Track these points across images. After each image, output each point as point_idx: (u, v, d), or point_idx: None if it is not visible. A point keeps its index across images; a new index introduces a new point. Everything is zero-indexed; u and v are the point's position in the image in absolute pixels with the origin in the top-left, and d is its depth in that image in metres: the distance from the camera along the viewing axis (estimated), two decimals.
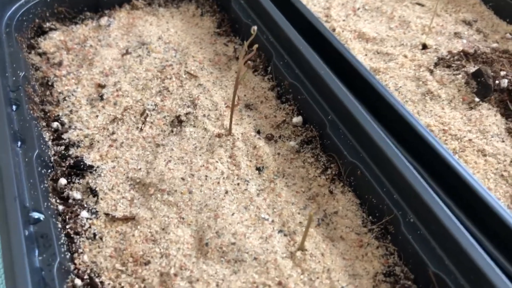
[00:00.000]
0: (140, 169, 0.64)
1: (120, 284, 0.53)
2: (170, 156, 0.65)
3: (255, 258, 0.54)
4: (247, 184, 0.62)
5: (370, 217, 0.59)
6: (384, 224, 0.57)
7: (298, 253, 0.55)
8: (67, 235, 0.56)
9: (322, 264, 0.54)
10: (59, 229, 0.56)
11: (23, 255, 0.48)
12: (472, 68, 0.76)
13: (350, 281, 0.53)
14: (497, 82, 0.73)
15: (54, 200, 0.59)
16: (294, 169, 0.65)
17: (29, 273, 0.47)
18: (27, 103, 0.68)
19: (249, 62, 0.58)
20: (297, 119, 0.70)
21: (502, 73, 0.75)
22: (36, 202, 0.56)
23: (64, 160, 0.65)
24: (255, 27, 0.56)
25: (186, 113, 0.71)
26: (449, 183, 0.60)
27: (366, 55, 0.81)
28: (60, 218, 0.58)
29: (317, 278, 0.53)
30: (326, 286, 0.52)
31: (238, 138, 0.67)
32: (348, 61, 0.72)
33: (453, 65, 0.77)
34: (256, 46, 0.57)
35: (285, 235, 0.57)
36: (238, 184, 0.62)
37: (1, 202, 0.53)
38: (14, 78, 0.70)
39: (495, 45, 0.82)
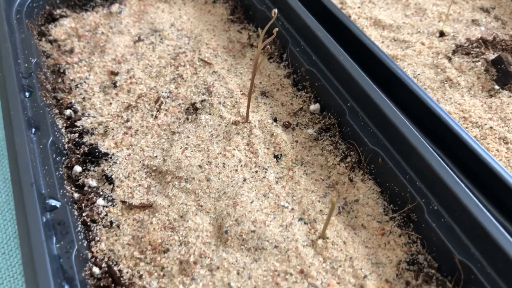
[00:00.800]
0: (156, 156, 0.63)
1: (138, 272, 0.52)
2: (186, 144, 0.64)
3: (275, 246, 0.53)
4: (266, 172, 0.61)
5: (392, 205, 0.58)
6: (406, 212, 0.56)
7: (320, 241, 0.54)
8: (84, 222, 0.55)
9: (344, 253, 0.53)
10: (75, 217, 0.55)
11: (42, 242, 0.47)
12: (491, 56, 0.74)
13: (373, 270, 0.52)
14: None
15: (69, 187, 0.58)
16: (312, 157, 0.64)
17: (48, 261, 0.46)
18: (40, 90, 0.67)
19: (268, 46, 0.56)
20: (314, 107, 0.68)
21: None
22: (52, 189, 0.55)
23: (78, 147, 0.64)
24: (276, 10, 0.54)
25: (201, 101, 0.69)
26: (473, 170, 0.59)
27: (383, 42, 0.80)
28: (76, 206, 0.57)
29: (340, 266, 0.52)
30: (349, 274, 0.51)
31: (255, 126, 0.66)
32: (367, 47, 0.70)
33: (472, 52, 0.76)
34: (276, 29, 0.56)
35: (305, 223, 0.56)
36: (256, 172, 0.61)
37: (17, 188, 0.52)
38: (26, 65, 0.69)
39: None
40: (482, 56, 0.75)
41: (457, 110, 0.68)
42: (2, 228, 0.65)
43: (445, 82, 0.72)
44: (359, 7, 0.87)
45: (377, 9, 0.86)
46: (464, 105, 0.69)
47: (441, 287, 0.50)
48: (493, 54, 0.75)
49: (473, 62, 0.74)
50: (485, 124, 0.66)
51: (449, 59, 0.76)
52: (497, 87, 0.71)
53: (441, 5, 0.87)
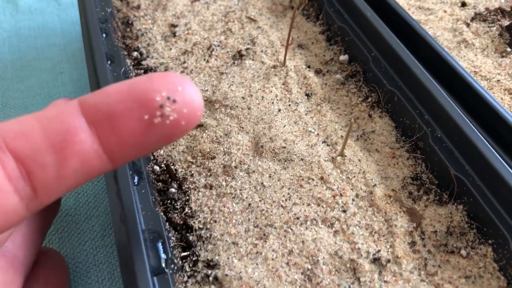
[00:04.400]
0: (207, 90, 0.75)
1: (190, 172, 0.64)
2: (232, 81, 0.76)
3: (301, 159, 0.64)
4: (297, 106, 0.72)
5: (403, 137, 0.68)
6: (415, 140, 0.66)
7: (338, 158, 0.65)
8: None
9: (358, 167, 0.64)
10: None
11: None
12: (506, 22, 0.83)
13: (382, 181, 0.63)
14: None
15: None
16: (338, 97, 0.75)
17: None
18: (113, 33, 0.80)
19: None
20: (343, 57, 0.79)
21: None
22: None
23: None
24: None
25: (246, 49, 0.82)
26: (473, 105, 0.69)
27: (409, 9, 0.89)
28: None
29: (354, 177, 0.63)
30: (361, 183, 0.62)
31: (291, 69, 0.77)
32: (393, 9, 0.81)
33: (488, 19, 0.84)
34: None
35: (328, 145, 0.67)
36: (289, 105, 0.72)
37: None
38: (103, 13, 0.83)
39: None
40: (498, 22, 0.83)
41: (469, 66, 0.77)
42: None
43: (461, 43, 0.81)
44: None
45: None
46: (476, 62, 0.78)
47: (438, 197, 0.60)
48: (509, 21, 0.83)
49: (488, 27, 0.83)
50: (493, 78, 0.75)
51: (467, 24, 0.85)
52: (509, 49, 0.80)
53: None
